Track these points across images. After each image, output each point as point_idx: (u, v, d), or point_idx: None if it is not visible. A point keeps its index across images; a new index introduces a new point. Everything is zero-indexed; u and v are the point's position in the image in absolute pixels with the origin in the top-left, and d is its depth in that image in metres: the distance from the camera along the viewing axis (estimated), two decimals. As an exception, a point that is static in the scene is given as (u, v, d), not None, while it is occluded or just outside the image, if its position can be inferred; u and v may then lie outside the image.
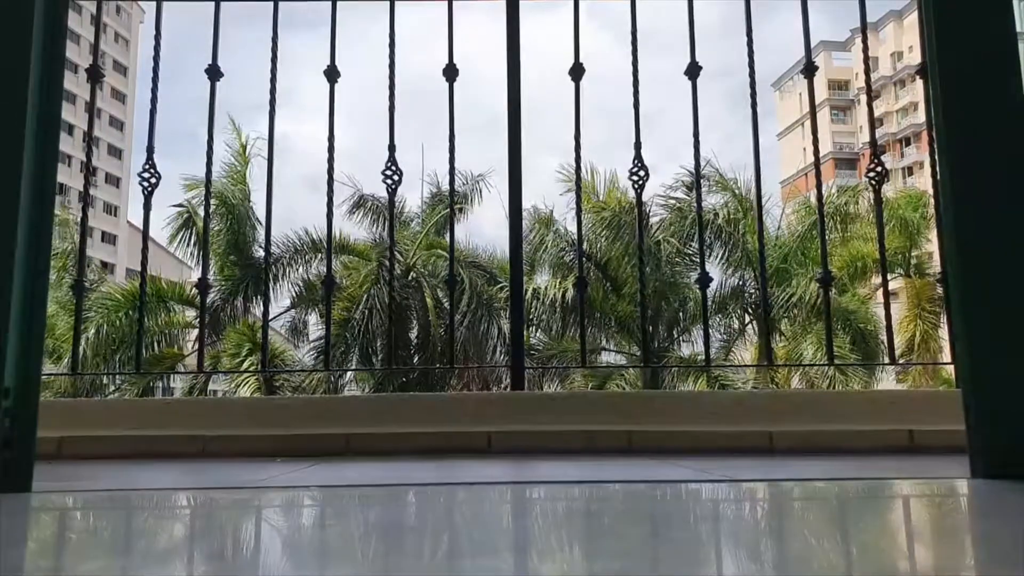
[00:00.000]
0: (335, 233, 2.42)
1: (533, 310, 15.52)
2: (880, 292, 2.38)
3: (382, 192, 2.77)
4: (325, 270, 2.45)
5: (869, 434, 2.05)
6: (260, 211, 18.23)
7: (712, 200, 15.48)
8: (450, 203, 2.77)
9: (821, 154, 2.33)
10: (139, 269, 2.36)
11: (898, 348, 13.80)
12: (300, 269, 16.08)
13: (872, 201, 2.46)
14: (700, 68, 2.20)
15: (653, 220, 15.91)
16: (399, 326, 15.18)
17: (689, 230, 15.46)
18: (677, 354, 15.01)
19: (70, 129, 36.13)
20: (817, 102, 2.29)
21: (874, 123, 2.39)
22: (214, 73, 2.20)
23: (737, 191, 15.41)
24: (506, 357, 15.03)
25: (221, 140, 15.63)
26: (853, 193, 15.69)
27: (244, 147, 16.12)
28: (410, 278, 15.82)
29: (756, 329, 14.87)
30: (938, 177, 1.22)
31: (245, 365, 13.94)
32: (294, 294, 16.24)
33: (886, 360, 15.16)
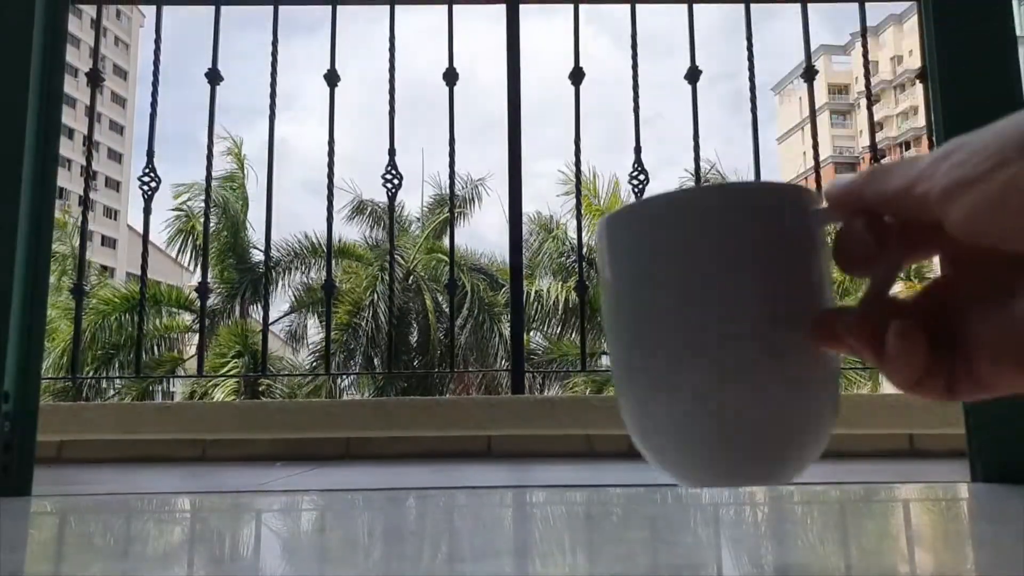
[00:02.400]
0: (335, 237, 2.43)
1: (533, 314, 15.52)
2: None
3: (382, 196, 2.77)
4: (325, 275, 2.45)
5: (869, 438, 2.05)
6: (259, 215, 18.27)
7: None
8: (450, 207, 2.77)
9: (821, 158, 2.34)
10: (138, 273, 2.36)
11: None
12: (299, 274, 16.10)
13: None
14: (700, 72, 2.20)
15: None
16: (400, 331, 15.19)
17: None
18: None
19: (70, 133, 36.18)
20: (817, 106, 2.29)
21: (874, 127, 2.39)
22: (214, 77, 2.20)
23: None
24: (506, 361, 15.03)
25: (222, 147, 15.68)
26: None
27: (240, 157, 16.20)
28: (410, 282, 15.83)
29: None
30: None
31: (229, 367, 13.93)
32: (293, 299, 16.26)
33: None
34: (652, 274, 0.47)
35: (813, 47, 2.26)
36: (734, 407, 0.45)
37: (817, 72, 2.26)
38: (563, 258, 16.21)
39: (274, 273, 14.92)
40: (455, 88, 2.27)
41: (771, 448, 0.46)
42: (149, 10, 2.25)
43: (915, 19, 1.32)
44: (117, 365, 14.65)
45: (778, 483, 0.48)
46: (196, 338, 14.87)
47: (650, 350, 0.47)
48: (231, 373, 13.93)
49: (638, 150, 2.23)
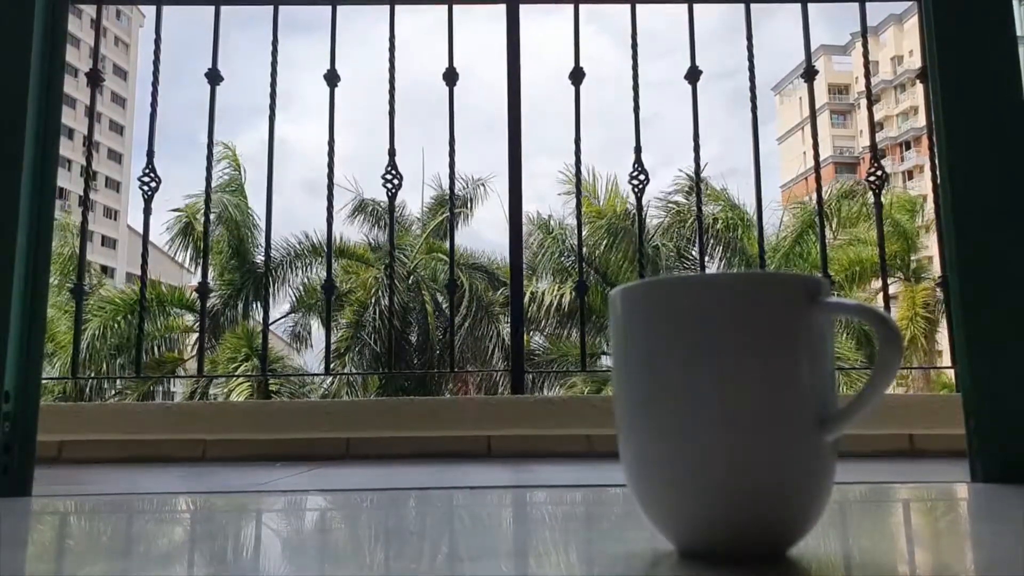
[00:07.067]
0: (336, 237, 2.43)
1: (532, 314, 15.50)
2: (880, 296, 2.37)
3: (382, 196, 2.78)
4: (326, 275, 2.45)
5: (868, 438, 2.05)
6: (259, 215, 18.25)
7: (710, 207, 15.52)
8: (450, 207, 2.77)
9: (821, 158, 2.34)
10: (139, 273, 2.36)
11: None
12: (300, 274, 16.08)
13: (872, 204, 2.46)
14: (700, 72, 2.20)
15: (653, 224, 15.93)
16: (402, 330, 15.16)
17: (689, 234, 15.52)
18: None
19: (70, 133, 36.15)
20: (817, 106, 2.29)
21: (874, 127, 2.39)
22: (214, 77, 2.20)
23: (734, 200, 15.45)
24: (504, 361, 15.02)
25: (218, 153, 15.70)
26: (855, 197, 15.72)
27: (238, 161, 16.24)
28: (410, 282, 15.82)
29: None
30: (938, 180, 1.22)
31: (240, 371, 13.90)
32: (294, 299, 16.24)
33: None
34: (657, 349, 0.48)
35: (813, 47, 2.26)
36: (720, 478, 0.46)
37: (817, 72, 2.26)
38: (562, 257, 16.20)
39: (276, 273, 14.90)
40: (455, 88, 2.27)
41: (756, 522, 0.47)
42: (149, 10, 2.24)
43: (915, 19, 1.32)
44: (118, 366, 14.65)
45: (762, 552, 0.49)
46: (197, 338, 14.86)
47: (650, 416, 0.48)
48: (234, 373, 13.92)
49: (638, 150, 2.23)
